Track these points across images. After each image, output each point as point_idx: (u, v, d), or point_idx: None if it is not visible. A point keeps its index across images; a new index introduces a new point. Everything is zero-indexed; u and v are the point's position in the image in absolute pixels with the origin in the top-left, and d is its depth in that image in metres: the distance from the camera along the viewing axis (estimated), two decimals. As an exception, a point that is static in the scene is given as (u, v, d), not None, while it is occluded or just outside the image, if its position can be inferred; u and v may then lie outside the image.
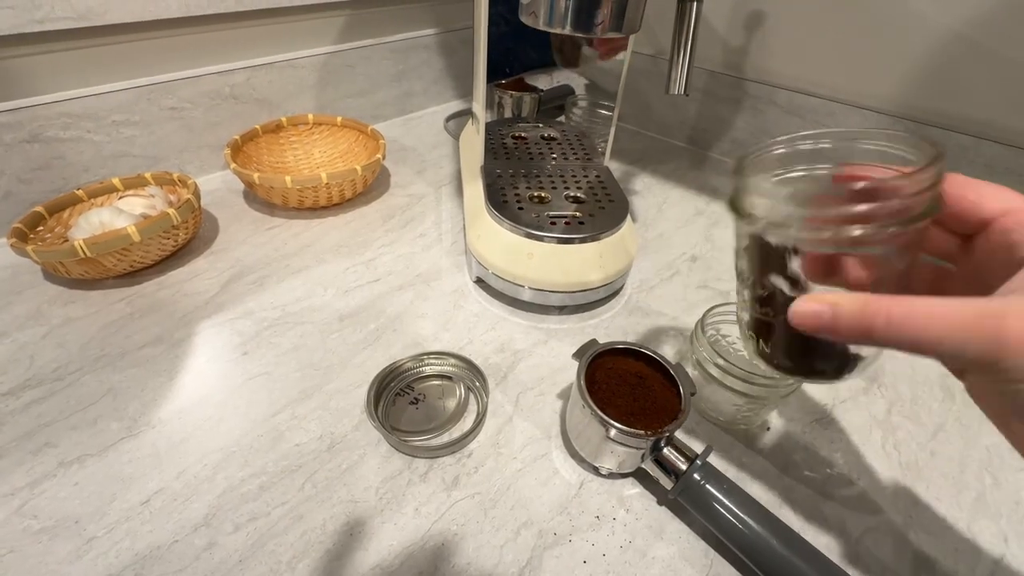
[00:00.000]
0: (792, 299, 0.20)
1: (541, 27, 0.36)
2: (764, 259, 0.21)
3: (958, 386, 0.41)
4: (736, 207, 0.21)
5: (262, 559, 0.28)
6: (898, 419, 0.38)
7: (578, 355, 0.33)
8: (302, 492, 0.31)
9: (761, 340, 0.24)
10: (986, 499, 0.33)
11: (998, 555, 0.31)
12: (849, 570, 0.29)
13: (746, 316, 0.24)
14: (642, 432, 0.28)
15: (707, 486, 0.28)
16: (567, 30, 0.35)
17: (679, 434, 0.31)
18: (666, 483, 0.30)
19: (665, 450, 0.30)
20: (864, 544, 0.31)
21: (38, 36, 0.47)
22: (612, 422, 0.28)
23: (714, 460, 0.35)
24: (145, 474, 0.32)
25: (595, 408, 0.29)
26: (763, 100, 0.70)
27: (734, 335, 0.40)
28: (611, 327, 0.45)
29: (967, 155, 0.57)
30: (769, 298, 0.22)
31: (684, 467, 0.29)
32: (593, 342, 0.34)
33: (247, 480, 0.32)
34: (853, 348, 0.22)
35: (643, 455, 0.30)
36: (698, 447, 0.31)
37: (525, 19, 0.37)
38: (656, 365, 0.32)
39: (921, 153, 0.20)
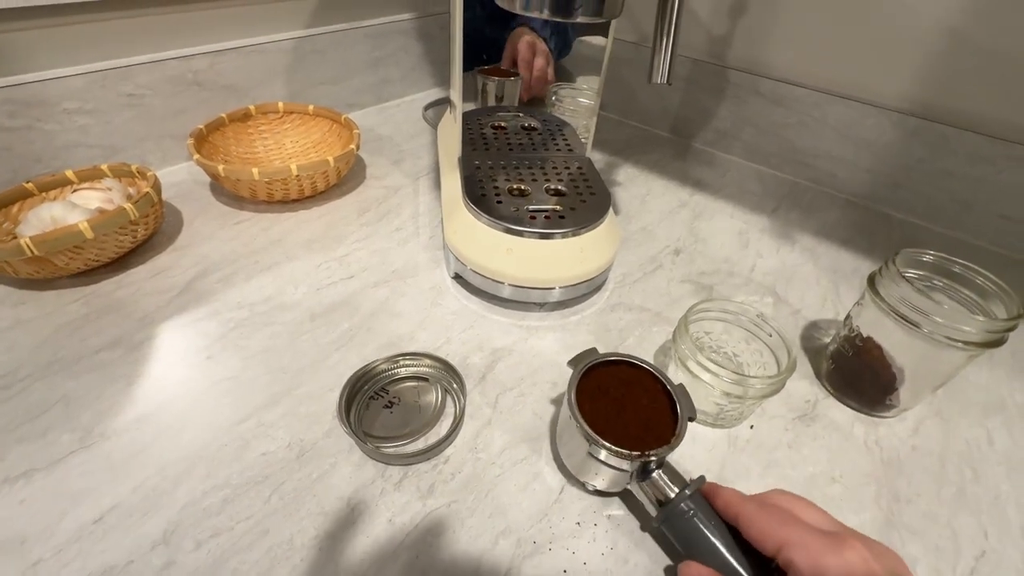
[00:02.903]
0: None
1: (518, 11, 0.34)
2: None
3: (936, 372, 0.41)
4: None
5: (225, 578, 0.27)
6: (881, 415, 0.38)
7: (573, 363, 0.31)
8: (268, 505, 0.30)
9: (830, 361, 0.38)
10: (966, 494, 0.33)
11: (979, 551, 0.31)
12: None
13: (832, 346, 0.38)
14: (630, 453, 0.27)
15: (694, 519, 0.26)
16: (544, 14, 0.33)
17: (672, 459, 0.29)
18: (651, 509, 0.28)
19: (655, 474, 0.28)
20: (847, 543, 0.30)
21: (-24, 16, 0.43)
22: (601, 440, 0.27)
23: (698, 456, 0.34)
24: (98, 489, 0.30)
25: (584, 424, 0.27)
26: (746, 89, 0.69)
27: (717, 332, 0.39)
28: (593, 323, 0.44)
29: (949, 144, 0.57)
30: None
31: (672, 495, 0.27)
32: (592, 351, 0.32)
33: (209, 493, 0.30)
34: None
35: (631, 476, 0.28)
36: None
37: (501, 2, 0.35)
38: (655, 381, 0.31)
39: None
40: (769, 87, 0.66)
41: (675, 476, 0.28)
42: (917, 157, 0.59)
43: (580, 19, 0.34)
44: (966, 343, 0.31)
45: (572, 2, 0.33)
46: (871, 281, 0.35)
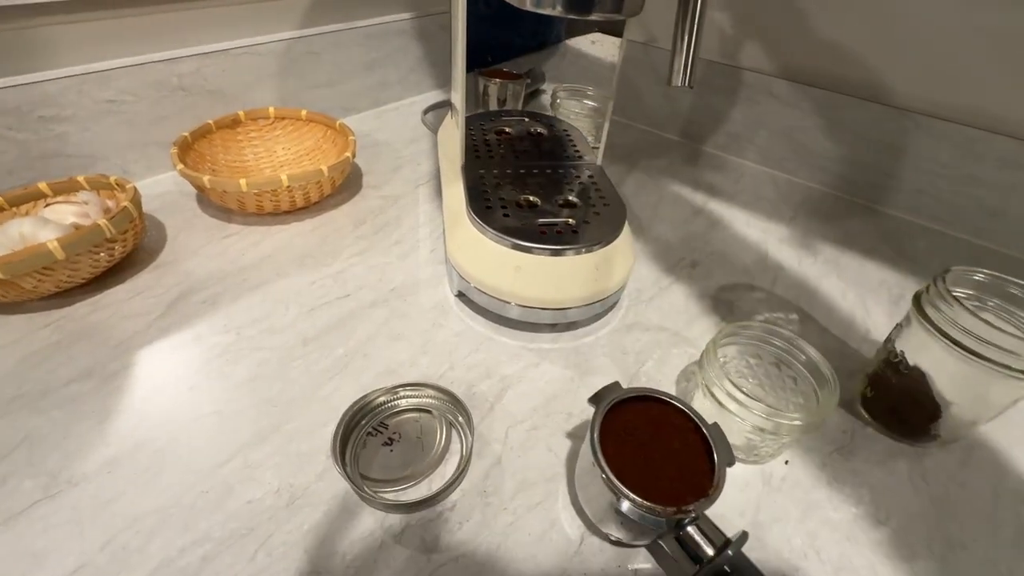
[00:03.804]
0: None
1: (528, 8, 0.31)
2: None
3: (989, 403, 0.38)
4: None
5: (202, 654, 0.23)
6: (924, 445, 0.35)
7: (595, 400, 0.28)
8: (254, 563, 0.26)
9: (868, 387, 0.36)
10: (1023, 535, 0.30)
11: (1046, 606, 0.27)
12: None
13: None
14: (664, 510, 0.23)
15: None
16: (558, 11, 0.30)
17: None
18: (686, 567, 0.24)
19: (690, 528, 0.24)
20: (901, 599, 0.27)
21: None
22: (629, 494, 0.24)
23: (730, 496, 0.31)
24: (62, 547, 0.26)
25: (609, 473, 0.24)
26: (760, 91, 0.66)
27: (746, 356, 0.36)
28: (608, 345, 0.41)
29: (975, 148, 0.54)
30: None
31: (711, 553, 0.24)
32: (615, 386, 0.29)
33: (187, 550, 0.27)
34: None
35: (662, 531, 0.25)
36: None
37: (510, -1, 0.32)
38: (687, 420, 0.27)
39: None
40: (783, 88, 0.63)
41: (713, 530, 0.24)
42: (942, 162, 0.56)
43: (596, 16, 0.30)
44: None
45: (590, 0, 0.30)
46: (917, 301, 0.32)
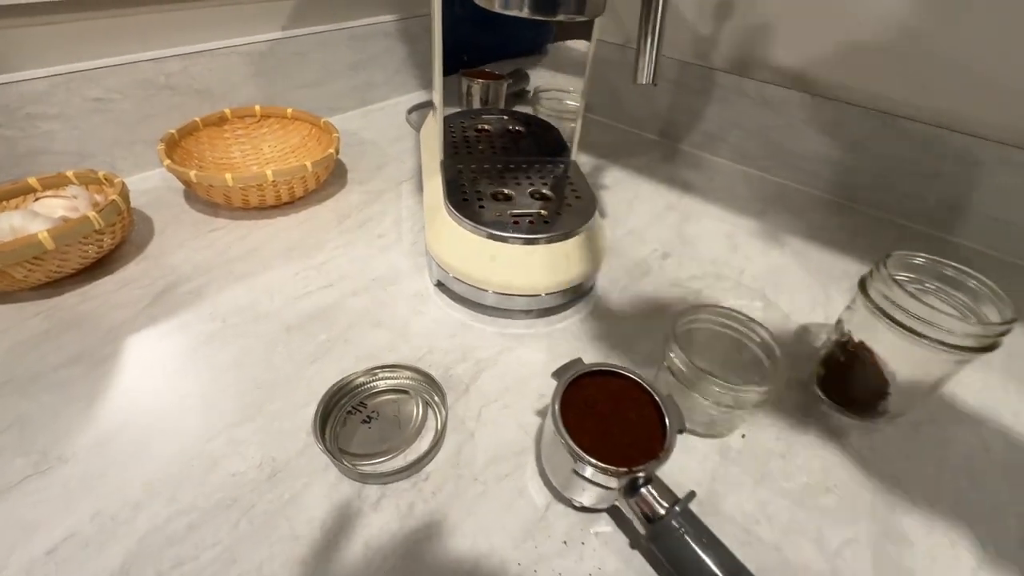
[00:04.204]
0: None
1: (496, 9, 0.33)
2: None
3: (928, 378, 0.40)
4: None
5: (187, 612, 0.25)
6: (874, 421, 0.37)
7: (558, 375, 0.30)
8: (237, 530, 0.28)
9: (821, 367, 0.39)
10: (963, 502, 0.33)
11: (976, 560, 0.30)
12: (829, 589, 0.27)
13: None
14: (617, 470, 0.25)
15: (685, 536, 0.25)
16: (525, 13, 0.32)
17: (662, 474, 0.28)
18: (640, 527, 0.27)
19: (643, 490, 0.27)
20: (843, 556, 0.29)
21: (-70, 16, 0.41)
22: (586, 457, 0.26)
23: (689, 467, 0.33)
24: (53, 517, 0.28)
25: (568, 440, 0.26)
26: (733, 91, 0.68)
27: (707, 338, 0.38)
28: (580, 331, 0.43)
29: (936, 146, 0.56)
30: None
31: (662, 512, 0.26)
32: (577, 361, 0.31)
33: (173, 519, 0.28)
34: None
35: (619, 493, 0.27)
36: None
37: (480, 1, 0.34)
38: (643, 393, 0.29)
39: None
40: (755, 88, 0.66)
41: (665, 491, 0.26)
42: (907, 159, 0.59)
43: (562, 17, 0.33)
44: (959, 348, 0.30)
45: (554, 2, 0.32)
46: (862, 284, 0.34)
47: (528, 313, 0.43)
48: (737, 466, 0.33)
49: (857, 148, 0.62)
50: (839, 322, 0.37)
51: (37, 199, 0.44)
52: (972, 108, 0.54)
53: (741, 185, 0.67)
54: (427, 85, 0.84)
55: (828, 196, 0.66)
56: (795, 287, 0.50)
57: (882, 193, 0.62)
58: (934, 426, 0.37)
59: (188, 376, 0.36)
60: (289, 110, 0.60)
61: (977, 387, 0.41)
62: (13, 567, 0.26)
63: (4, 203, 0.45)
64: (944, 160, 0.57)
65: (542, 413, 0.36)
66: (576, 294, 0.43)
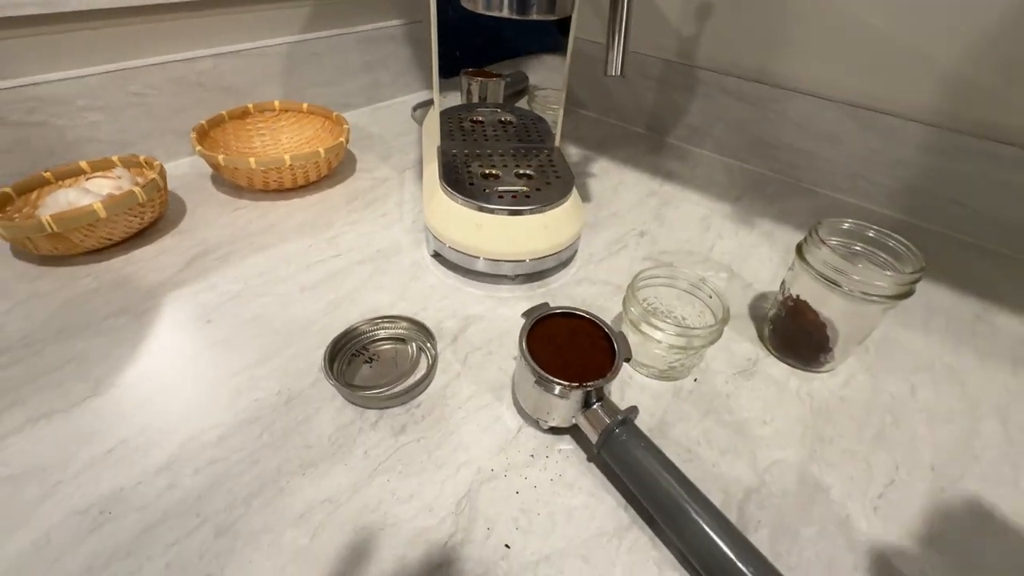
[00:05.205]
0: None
1: (480, 11, 0.39)
2: None
3: (872, 339, 0.45)
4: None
5: (220, 496, 0.30)
6: (815, 371, 0.42)
7: (527, 315, 0.35)
8: (259, 440, 0.34)
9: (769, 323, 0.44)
10: (885, 435, 0.37)
11: (888, 480, 0.34)
12: (752, 496, 0.32)
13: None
14: (568, 384, 0.31)
15: (627, 443, 0.31)
16: (504, 13, 0.38)
17: (616, 399, 0.33)
18: (593, 438, 0.32)
19: (595, 406, 0.32)
20: (771, 473, 0.34)
21: (3, 22, 0.48)
22: (544, 374, 0.31)
23: (644, 404, 0.38)
24: (109, 428, 0.34)
25: (532, 362, 0.32)
26: (714, 87, 0.73)
27: (663, 296, 0.43)
28: (560, 295, 0.48)
29: (897, 135, 0.61)
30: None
31: (607, 421, 0.31)
32: (544, 305, 0.36)
33: (207, 431, 0.34)
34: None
35: (576, 409, 0.32)
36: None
37: (466, 3, 0.39)
38: (598, 329, 0.35)
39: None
40: (734, 85, 0.71)
41: (612, 408, 0.32)
42: (872, 147, 0.64)
43: (535, 17, 0.38)
44: (879, 296, 0.35)
45: (527, 3, 0.37)
46: (799, 248, 0.39)
47: (514, 279, 0.49)
48: (688, 404, 0.39)
49: (827, 139, 0.66)
50: (783, 283, 0.42)
51: (88, 179, 0.51)
52: (921, 100, 0.59)
53: (721, 174, 0.72)
54: (430, 85, 0.89)
55: (801, 184, 0.70)
56: (760, 262, 0.54)
57: (852, 180, 0.67)
58: (868, 375, 0.42)
59: (216, 326, 0.42)
60: (305, 105, 0.66)
61: (917, 347, 0.45)
62: (80, 461, 0.32)
63: (60, 182, 0.52)
64: (906, 148, 0.61)
65: (517, 358, 0.41)
66: (557, 262, 0.49)
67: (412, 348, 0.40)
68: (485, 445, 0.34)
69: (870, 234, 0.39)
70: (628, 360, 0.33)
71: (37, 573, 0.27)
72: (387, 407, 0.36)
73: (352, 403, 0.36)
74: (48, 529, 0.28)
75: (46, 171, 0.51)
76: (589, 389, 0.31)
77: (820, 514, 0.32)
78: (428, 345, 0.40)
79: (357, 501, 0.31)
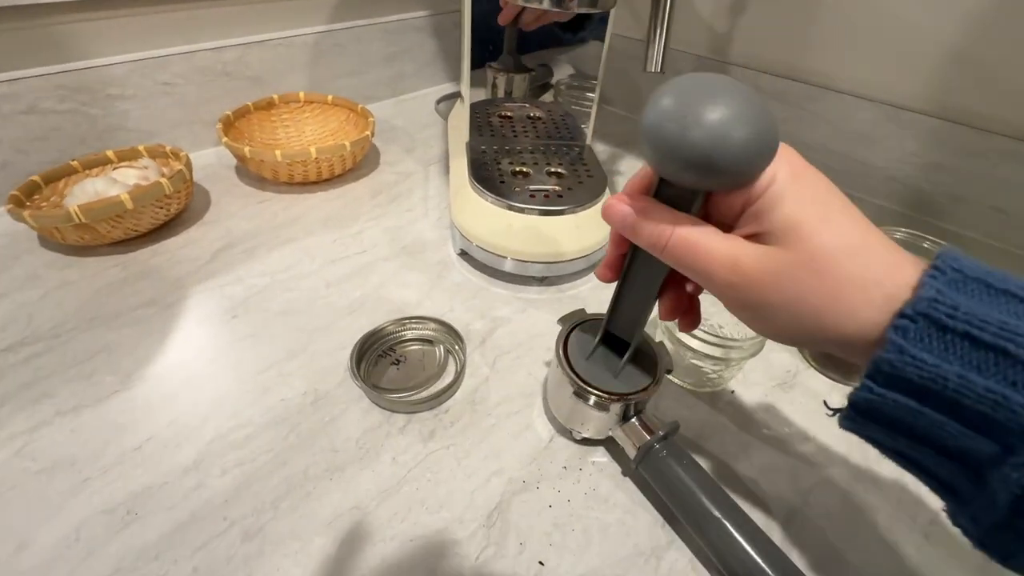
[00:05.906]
0: None
1: (520, 2, 0.37)
2: None
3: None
4: None
5: (247, 499, 0.30)
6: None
7: (563, 321, 0.34)
8: (286, 441, 0.33)
9: None
10: (933, 456, 0.35)
11: (940, 504, 0.33)
12: (795, 518, 0.31)
13: None
14: (607, 395, 0.29)
15: (668, 459, 0.29)
16: (544, 4, 0.36)
17: (648, 407, 0.32)
18: (631, 452, 0.31)
19: (633, 420, 0.31)
20: (814, 493, 0.33)
21: (34, 9, 0.48)
22: (580, 381, 0.30)
23: (679, 414, 0.37)
24: (138, 423, 0.33)
25: (567, 366, 0.30)
26: (748, 84, 0.71)
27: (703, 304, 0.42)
28: (589, 298, 0.47)
29: (938, 137, 0.58)
30: None
31: (647, 437, 0.30)
32: (580, 311, 0.35)
33: (234, 430, 0.33)
34: None
35: (613, 422, 0.31)
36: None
37: (506, -5, 0.38)
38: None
39: None
40: (768, 82, 0.69)
41: (652, 422, 0.30)
42: (910, 151, 0.61)
43: (577, 10, 0.37)
44: None
45: (569, -5, 0.36)
46: None
47: (542, 280, 0.47)
48: (724, 416, 0.37)
49: (863, 140, 0.64)
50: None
51: (115, 169, 0.51)
52: (974, 102, 0.56)
53: (752, 175, 0.70)
54: (454, 77, 0.89)
55: (836, 186, 0.68)
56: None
57: (886, 184, 0.64)
58: (914, 392, 0.40)
59: (243, 320, 0.41)
60: (330, 97, 0.65)
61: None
62: (109, 457, 0.31)
63: (87, 172, 0.51)
64: (944, 150, 0.59)
65: (550, 363, 0.40)
66: (587, 264, 0.47)
67: (440, 350, 0.39)
68: (516, 454, 0.33)
69: (925, 245, 0.37)
70: (670, 372, 0.32)
71: (67, 570, 0.26)
72: (415, 411, 0.35)
73: (379, 405, 0.36)
74: (77, 525, 0.28)
75: (73, 160, 0.51)
76: (630, 402, 0.29)
77: (867, 539, 0.31)
78: (457, 348, 0.39)
79: (386, 509, 0.30)
